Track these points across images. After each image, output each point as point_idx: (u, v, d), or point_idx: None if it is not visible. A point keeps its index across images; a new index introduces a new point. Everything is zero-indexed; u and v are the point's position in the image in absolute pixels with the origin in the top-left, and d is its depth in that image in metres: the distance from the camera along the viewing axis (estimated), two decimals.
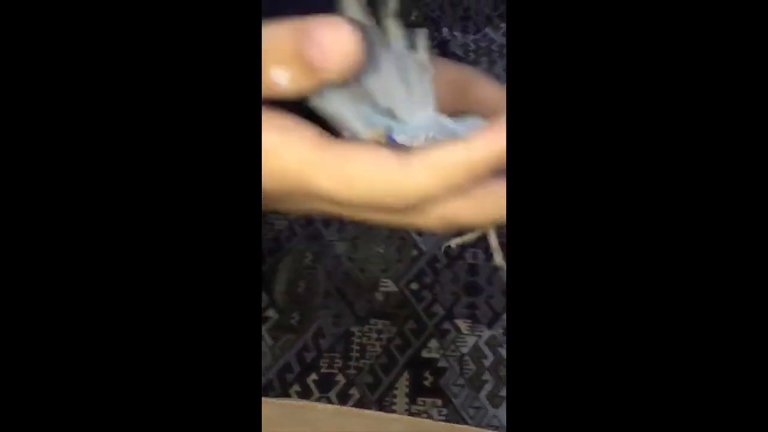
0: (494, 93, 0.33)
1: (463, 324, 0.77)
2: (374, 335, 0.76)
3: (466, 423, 0.70)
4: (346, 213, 0.28)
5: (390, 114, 0.28)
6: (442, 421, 0.70)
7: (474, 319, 0.77)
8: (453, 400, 0.71)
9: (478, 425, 0.70)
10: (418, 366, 0.74)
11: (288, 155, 0.26)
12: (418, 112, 0.29)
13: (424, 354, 0.75)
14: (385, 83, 0.28)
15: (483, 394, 0.72)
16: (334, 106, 0.27)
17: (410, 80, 0.29)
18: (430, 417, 0.70)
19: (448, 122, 0.29)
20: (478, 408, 0.71)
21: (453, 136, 0.28)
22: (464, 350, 0.75)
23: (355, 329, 0.77)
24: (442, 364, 0.74)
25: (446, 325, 0.77)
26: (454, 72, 0.33)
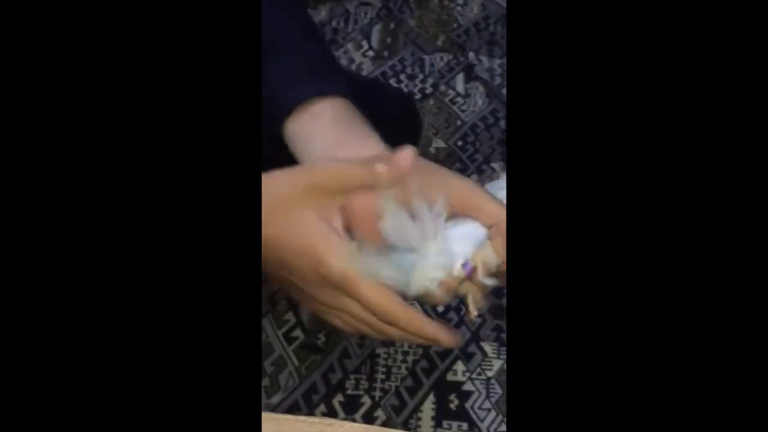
0: (492, 206, 0.38)
1: (489, 347, 0.76)
2: (400, 357, 0.76)
3: None
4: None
5: (412, 250, 0.37)
6: None
7: (500, 342, 0.77)
8: (479, 423, 0.71)
9: None
10: (443, 389, 0.74)
11: None
12: (432, 244, 0.37)
13: (450, 377, 0.74)
14: (405, 236, 0.36)
15: None
16: (372, 266, 0.36)
17: (426, 228, 0.37)
18: None
19: (458, 232, 0.38)
20: None
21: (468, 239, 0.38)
22: (490, 374, 0.74)
23: (380, 351, 0.77)
24: (467, 387, 0.74)
25: (472, 348, 0.76)
26: (458, 186, 0.38)
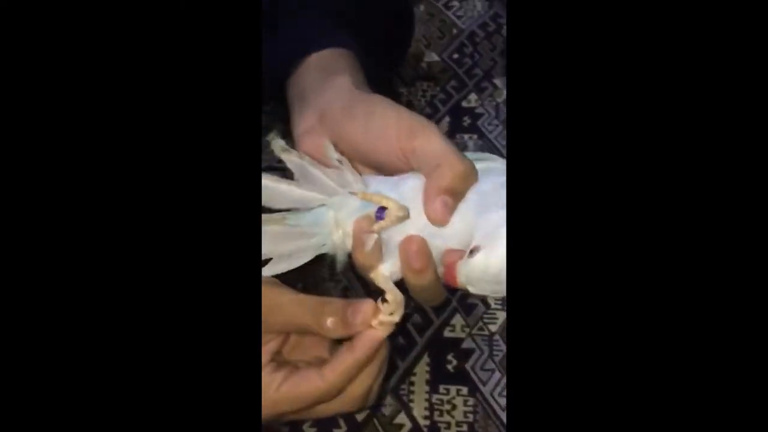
0: (437, 146, 0.38)
1: (491, 299, 0.67)
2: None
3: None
4: None
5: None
6: None
7: None
8: (480, 387, 0.62)
9: None
10: (439, 348, 0.64)
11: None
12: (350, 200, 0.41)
13: (447, 333, 0.65)
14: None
15: None
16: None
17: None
18: None
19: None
20: None
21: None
22: (493, 328, 0.65)
23: None
24: (467, 344, 0.65)
25: (472, 300, 0.66)
26: (404, 119, 0.39)
